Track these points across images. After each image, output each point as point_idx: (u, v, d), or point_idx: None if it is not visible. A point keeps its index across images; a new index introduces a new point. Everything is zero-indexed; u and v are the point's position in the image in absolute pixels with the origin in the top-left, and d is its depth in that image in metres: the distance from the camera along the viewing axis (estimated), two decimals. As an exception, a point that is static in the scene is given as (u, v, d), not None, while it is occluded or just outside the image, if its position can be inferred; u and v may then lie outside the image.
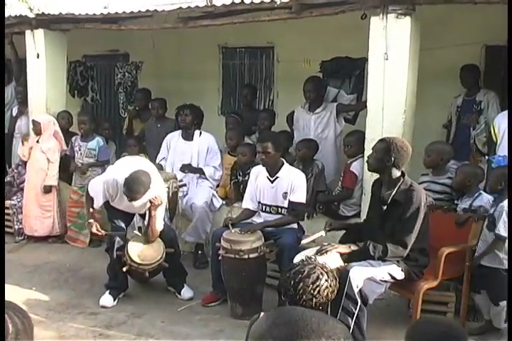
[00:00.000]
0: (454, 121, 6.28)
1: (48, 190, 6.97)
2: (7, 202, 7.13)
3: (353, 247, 4.24)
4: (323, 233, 4.59)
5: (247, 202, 5.43)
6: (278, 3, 5.34)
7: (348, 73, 6.79)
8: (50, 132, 6.98)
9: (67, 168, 7.19)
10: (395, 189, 4.24)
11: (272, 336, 1.35)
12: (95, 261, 6.15)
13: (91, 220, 5.33)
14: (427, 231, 4.30)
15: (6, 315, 1.55)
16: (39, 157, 6.98)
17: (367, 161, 4.52)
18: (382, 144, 4.29)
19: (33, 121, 7.01)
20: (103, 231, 5.33)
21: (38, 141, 6.97)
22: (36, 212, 7.04)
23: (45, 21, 7.21)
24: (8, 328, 1.53)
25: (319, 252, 4.15)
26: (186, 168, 6.46)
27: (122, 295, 5.39)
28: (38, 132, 6.94)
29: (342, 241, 4.53)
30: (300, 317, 1.38)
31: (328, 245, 4.23)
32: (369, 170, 4.58)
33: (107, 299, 5.26)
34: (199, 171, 6.48)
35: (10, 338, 1.53)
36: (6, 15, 7.20)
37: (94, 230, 5.29)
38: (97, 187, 5.29)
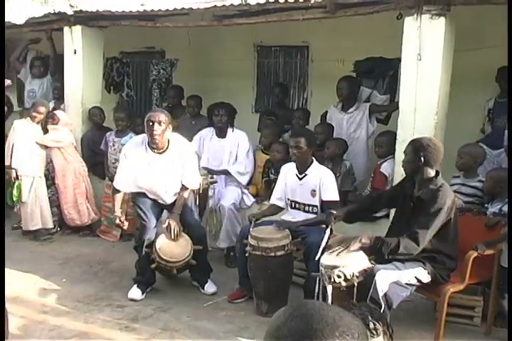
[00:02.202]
0: (488, 124, 6.20)
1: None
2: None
3: (364, 240, 4.11)
4: (328, 231, 4.53)
5: (275, 199, 5.44)
6: (312, 2, 5.36)
7: (381, 73, 6.75)
8: (59, 130, 7.08)
9: (102, 162, 7.30)
10: (425, 188, 4.21)
11: (288, 327, 1.35)
12: (125, 255, 6.22)
13: (117, 213, 5.40)
14: (456, 234, 4.26)
15: None
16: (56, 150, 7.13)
17: (402, 166, 4.49)
18: (410, 146, 4.29)
19: (53, 114, 7.12)
20: (126, 223, 5.43)
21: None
22: (69, 199, 7.15)
23: (83, 18, 7.34)
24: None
25: (332, 252, 4.13)
26: (210, 173, 6.40)
27: (150, 289, 5.45)
28: (52, 122, 7.06)
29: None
30: (317, 311, 1.38)
31: (340, 247, 4.17)
32: (406, 173, 4.53)
33: (135, 292, 5.32)
34: (223, 172, 6.48)
35: None
36: (46, 12, 7.36)
37: (117, 221, 5.40)
38: (122, 168, 5.40)
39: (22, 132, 6.94)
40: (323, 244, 4.40)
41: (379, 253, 4.08)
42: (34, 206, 6.98)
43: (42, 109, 7.02)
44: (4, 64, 8.38)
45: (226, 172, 6.50)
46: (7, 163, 6.96)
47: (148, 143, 5.23)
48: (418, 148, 4.19)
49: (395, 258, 4.13)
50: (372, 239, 4.11)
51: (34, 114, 6.96)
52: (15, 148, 6.93)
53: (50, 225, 7.14)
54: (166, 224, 5.27)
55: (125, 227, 5.50)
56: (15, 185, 6.96)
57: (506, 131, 5.85)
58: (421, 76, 5.10)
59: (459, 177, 5.29)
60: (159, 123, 5.05)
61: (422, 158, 4.17)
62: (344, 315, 1.40)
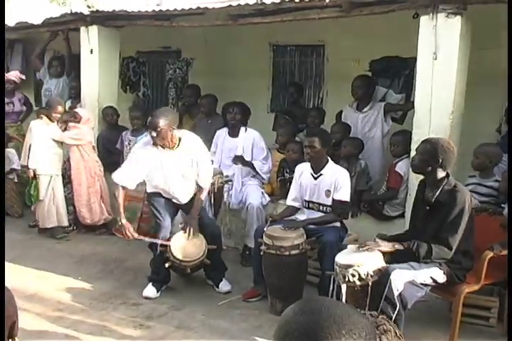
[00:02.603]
0: (505, 124, 6.15)
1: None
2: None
3: (398, 246, 4.17)
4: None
5: (290, 200, 5.44)
6: (327, 1, 5.35)
7: (397, 73, 6.75)
8: (79, 128, 7.11)
9: (118, 161, 7.33)
10: (439, 190, 4.19)
11: (296, 322, 1.36)
12: (140, 253, 6.23)
13: (123, 221, 5.33)
14: (472, 233, 4.23)
15: None
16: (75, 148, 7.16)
17: (411, 163, 4.47)
18: (428, 146, 4.23)
19: (74, 112, 7.16)
20: (136, 234, 5.34)
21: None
22: (82, 197, 7.19)
23: (100, 18, 7.39)
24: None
25: (361, 248, 4.14)
26: (238, 160, 6.44)
27: (164, 287, 5.47)
28: (73, 120, 7.09)
29: (386, 239, 4.42)
30: (326, 308, 1.38)
31: (372, 243, 4.20)
32: (414, 171, 4.53)
33: (150, 290, 5.35)
34: (249, 164, 6.47)
35: None
36: (63, 12, 7.42)
37: (127, 232, 5.32)
38: (127, 163, 5.40)
39: (38, 132, 6.98)
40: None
41: (412, 258, 4.08)
42: (51, 204, 7.04)
43: (60, 109, 7.06)
44: (4, 64, 8.46)
45: (250, 165, 6.47)
46: (24, 162, 7.04)
47: None
48: (437, 150, 4.15)
49: (413, 256, 4.12)
50: (405, 245, 4.13)
51: (54, 114, 6.98)
52: (32, 148, 6.98)
53: (66, 223, 7.20)
54: (183, 225, 5.29)
55: (134, 237, 5.37)
56: (32, 185, 7.03)
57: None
58: (436, 75, 5.08)
59: (474, 176, 5.26)
60: (155, 130, 5.01)
61: (440, 161, 4.14)
62: (353, 313, 1.40)
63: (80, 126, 7.08)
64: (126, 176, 5.30)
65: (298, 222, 5.22)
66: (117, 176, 5.34)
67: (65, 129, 7.10)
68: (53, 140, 7.01)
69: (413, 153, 5.00)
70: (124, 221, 5.33)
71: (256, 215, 6.10)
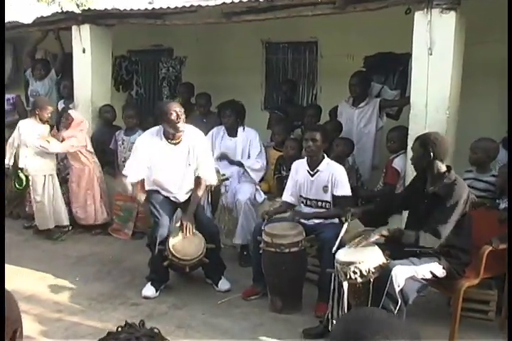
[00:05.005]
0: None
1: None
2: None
3: (384, 232, 4.14)
4: (345, 226, 4.50)
5: (287, 196, 5.43)
6: (321, -2, 5.34)
7: (391, 68, 6.74)
8: (77, 129, 7.06)
9: (112, 161, 7.31)
10: (439, 184, 4.20)
11: (341, 330, 1.44)
12: (137, 253, 6.23)
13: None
14: (469, 228, 4.25)
15: None
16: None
17: (412, 163, 4.49)
18: (417, 142, 4.30)
19: (67, 114, 7.12)
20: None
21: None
22: (79, 200, 7.18)
23: (91, 17, 7.35)
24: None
25: (356, 245, 4.13)
26: (224, 158, 6.48)
27: (163, 286, 5.46)
28: (67, 126, 7.04)
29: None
30: (370, 320, 1.44)
31: (361, 238, 4.19)
32: (416, 170, 4.53)
33: (149, 290, 5.34)
34: (236, 163, 6.49)
35: None
36: (54, 11, 7.38)
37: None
38: (134, 157, 5.42)
39: (28, 131, 6.90)
40: (339, 238, 4.38)
41: (398, 244, 4.09)
42: (49, 205, 6.99)
43: (50, 109, 7.03)
44: (4, 64, 8.41)
45: (239, 164, 6.50)
46: (6, 161, 6.97)
47: (163, 133, 5.25)
48: (426, 143, 4.20)
49: (413, 252, 4.13)
50: (391, 231, 4.13)
51: (45, 115, 6.94)
52: (21, 148, 6.91)
53: (65, 222, 7.17)
54: (180, 223, 5.29)
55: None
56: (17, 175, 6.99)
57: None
58: (432, 70, 5.08)
59: (471, 171, 5.27)
60: (178, 114, 5.11)
61: (432, 153, 4.17)
62: (397, 332, 1.41)
63: (76, 134, 7.02)
64: (137, 171, 5.36)
65: (305, 213, 5.24)
66: (129, 173, 5.43)
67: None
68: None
69: (409, 149, 5.02)
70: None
71: (243, 211, 6.11)
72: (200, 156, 5.34)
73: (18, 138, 6.94)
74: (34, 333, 4.49)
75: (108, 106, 7.66)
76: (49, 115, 6.99)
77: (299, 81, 8.23)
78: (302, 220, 5.19)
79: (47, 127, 7.04)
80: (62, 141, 6.93)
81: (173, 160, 5.29)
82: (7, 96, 8.27)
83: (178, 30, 8.00)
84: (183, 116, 5.14)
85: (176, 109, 5.12)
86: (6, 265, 5.91)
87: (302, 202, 5.35)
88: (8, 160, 6.97)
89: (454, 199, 4.06)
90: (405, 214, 4.82)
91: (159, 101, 9.36)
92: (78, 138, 7.00)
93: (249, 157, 6.52)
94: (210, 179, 5.52)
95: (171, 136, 5.21)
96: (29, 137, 6.85)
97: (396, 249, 4.19)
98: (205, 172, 5.41)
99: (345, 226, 4.48)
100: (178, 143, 5.27)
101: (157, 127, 5.35)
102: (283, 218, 5.30)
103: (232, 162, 6.51)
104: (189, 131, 5.30)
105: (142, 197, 5.43)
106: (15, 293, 1.74)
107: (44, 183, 6.96)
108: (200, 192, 5.42)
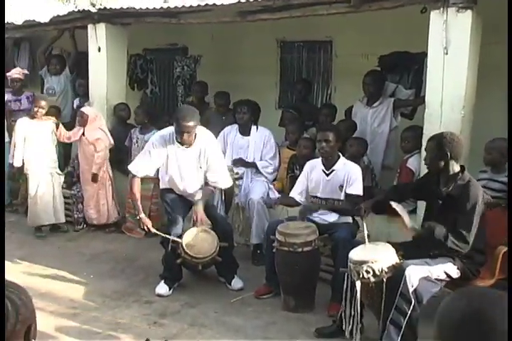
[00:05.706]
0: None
1: (94, 178, 7.09)
2: (67, 192, 7.33)
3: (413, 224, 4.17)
4: (365, 224, 4.46)
5: (295, 193, 5.42)
6: (336, -3, 5.32)
7: (406, 68, 6.71)
8: (95, 125, 7.11)
9: (124, 159, 7.33)
10: (452, 184, 4.18)
11: (464, 305, 1.56)
12: (151, 251, 6.24)
13: (142, 215, 5.39)
14: (483, 228, 4.22)
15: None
16: (87, 149, 7.15)
17: (425, 164, 4.44)
18: (432, 142, 4.26)
19: (81, 112, 7.17)
20: (153, 230, 5.39)
21: (83, 134, 7.11)
22: (92, 200, 7.21)
23: (107, 16, 7.38)
24: (8, 307, 1.59)
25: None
26: (238, 163, 6.50)
27: (177, 284, 5.47)
28: (83, 123, 7.08)
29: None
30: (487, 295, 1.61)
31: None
32: (430, 171, 4.49)
33: (162, 288, 5.36)
34: (251, 165, 6.50)
35: (12, 316, 1.58)
36: (70, 10, 7.41)
37: (147, 227, 5.38)
38: (145, 154, 5.42)
39: (23, 129, 6.96)
40: (366, 236, 4.32)
41: (429, 238, 4.05)
42: (42, 203, 6.99)
43: (43, 103, 7.04)
44: (4, 64, 8.46)
45: (254, 165, 6.50)
46: (12, 161, 7.02)
47: (176, 137, 5.26)
48: (443, 143, 4.15)
49: (427, 253, 4.11)
50: (425, 226, 4.15)
51: (36, 108, 6.96)
52: (17, 146, 6.95)
53: (62, 220, 7.21)
54: (193, 221, 5.30)
55: (152, 231, 5.44)
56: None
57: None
58: (447, 70, 5.04)
59: (486, 172, 5.22)
60: (188, 132, 5.13)
61: (448, 153, 4.13)
62: None
63: (98, 135, 7.10)
64: (143, 168, 5.37)
65: (318, 204, 5.25)
66: (135, 168, 5.42)
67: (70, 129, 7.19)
68: (46, 136, 7.02)
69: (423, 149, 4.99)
70: (142, 215, 5.40)
71: (256, 210, 6.11)
72: (210, 159, 5.35)
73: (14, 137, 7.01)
74: (49, 329, 4.53)
75: (123, 105, 7.71)
76: (42, 111, 6.99)
77: (313, 80, 8.21)
78: (315, 219, 5.20)
79: (48, 124, 7.09)
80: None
81: (185, 162, 5.32)
82: (26, 94, 8.32)
83: (193, 29, 8.01)
84: (193, 130, 5.15)
85: (190, 125, 5.10)
86: (20, 261, 6.01)
87: (318, 202, 5.33)
88: (16, 160, 6.99)
89: (471, 201, 4.03)
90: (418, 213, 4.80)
91: (174, 100, 9.41)
92: (102, 138, 7.11)
93: (262, 157, 6.52)
94: (223, 183, 5.54)
95: (181, 140, 5.25)
96: (26, 134, 6.93)
97: (410, 249, 4.18)
98: (217, 178, 5.44)
99: (365, 224, 4.44)
100: (190, 146, 5.29)
101: (171, 128, 5.36)
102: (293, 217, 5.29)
103: (246, 165, 6.51)
104: (200, 134, 5.32)
105: (137, 194, 5.43)
106: (30, 290, 1.75)
107: (40, 181, 6.98)
108: (210, 187, 5.42)
